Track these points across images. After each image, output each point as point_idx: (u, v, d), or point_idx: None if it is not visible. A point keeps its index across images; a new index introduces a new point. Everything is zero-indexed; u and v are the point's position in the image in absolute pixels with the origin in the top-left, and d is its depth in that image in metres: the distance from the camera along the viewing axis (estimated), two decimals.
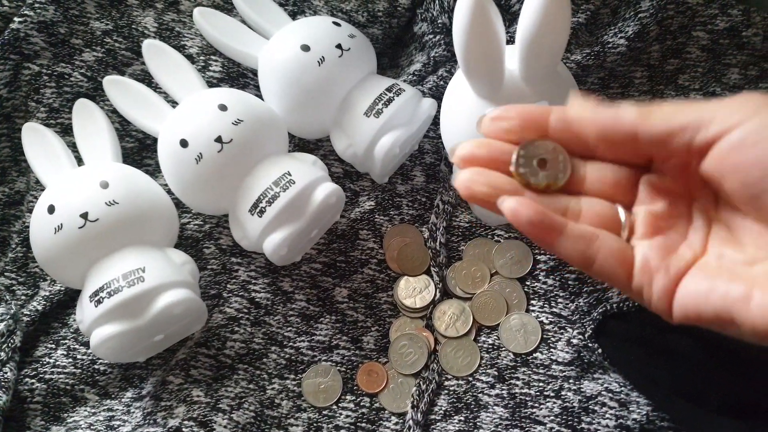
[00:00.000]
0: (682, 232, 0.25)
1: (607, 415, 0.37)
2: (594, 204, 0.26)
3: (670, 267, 0.24)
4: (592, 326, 0.39)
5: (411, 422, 0.39)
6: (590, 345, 0.39)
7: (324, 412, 0.40)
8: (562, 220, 0.25)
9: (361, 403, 0.40)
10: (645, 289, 0.25)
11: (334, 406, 0.40)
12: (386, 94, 0.41)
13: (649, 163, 0.26)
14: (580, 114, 0.25)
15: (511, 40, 0.44)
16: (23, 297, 0.44)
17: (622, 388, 0.38)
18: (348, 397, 0.40)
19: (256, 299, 0.42)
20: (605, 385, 0.38)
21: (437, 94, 0.45)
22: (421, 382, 0.40)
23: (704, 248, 0.25)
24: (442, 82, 0.46)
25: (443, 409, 0.39)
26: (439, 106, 0.41)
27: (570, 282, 0.41)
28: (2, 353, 0.39)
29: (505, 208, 0.25)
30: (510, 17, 0.46)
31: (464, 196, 0.26)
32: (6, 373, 0.39)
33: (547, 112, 0.26)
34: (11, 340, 0.40)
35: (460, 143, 0.26)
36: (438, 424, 0.39)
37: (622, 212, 0.26)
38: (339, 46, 0.40)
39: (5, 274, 0.44)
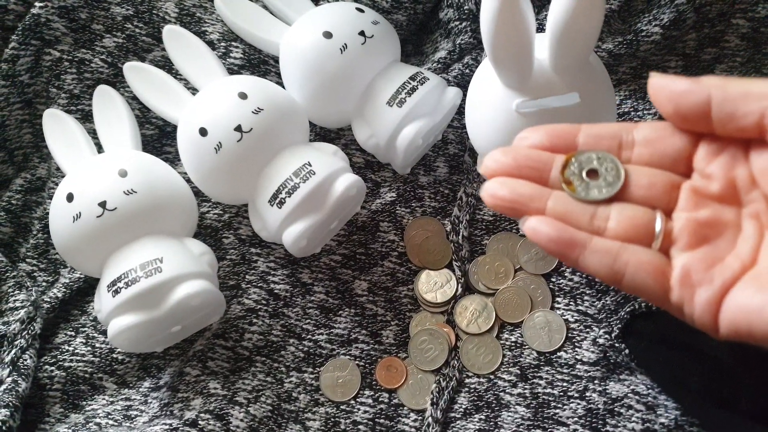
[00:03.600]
0: (730, 240, 0.24)
1: (633, 418, 0.36)
2: (627, 209, 0.25)
3: (714, 279, 0.23)
4: (619, 326, 0.38)
5: (430, 419, 0.38)
6: (617, 345, 0.37)
7: (342, 407, 0.39)
8: (584, 235, 0.24)
9: (380, 399, 0.39)
10: (686, 304, 0.23)
11: (352, 401, 0.39)
12: (410, 83, 0.40)
13: (688, 171, 0.25)
14: (659, 78, 0.24)
15: (541, 28, 0.42)
16: (44, 283, 0.44)
17: (650, 391, 0.36)
18: (366, 392, 0.39)
19: (275, 291, 0.41)
20: (632, 387, 0.37)
21: (462, 83, 0.44)
22: (441, 379, 0.39)
23: (755, 257, 0.23)
24: (467, 71, 0.45)
25: (463, 407, 0.38)
26: (465, 95, 0.40)
27: (597, 279, 0.40)
28: (22, 340, 0.39)
29: (525, 228, 0.24)
30: (539, 3, 0.45)
31: (489, 204, 0.25)
32: (26, 360, 0.39)
33: (577, 129, 0.26)
34: (31, 327, 0.40)
35: (488, 154, 0.26)
36: (458, 422, 0.38)
37: (659, 219, 0.24)
38: (362, 33, 0.39)
39: (27, 260, 0.44)
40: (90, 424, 0.39)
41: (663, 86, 0.24)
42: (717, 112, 0.23)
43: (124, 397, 0.40)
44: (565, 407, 0.37)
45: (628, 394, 0.37)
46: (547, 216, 0.25)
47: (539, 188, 0.25)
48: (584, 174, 0.25)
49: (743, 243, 0.24)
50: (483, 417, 0.38)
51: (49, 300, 0.42)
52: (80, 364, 0.41)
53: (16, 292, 0.42)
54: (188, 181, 0.41)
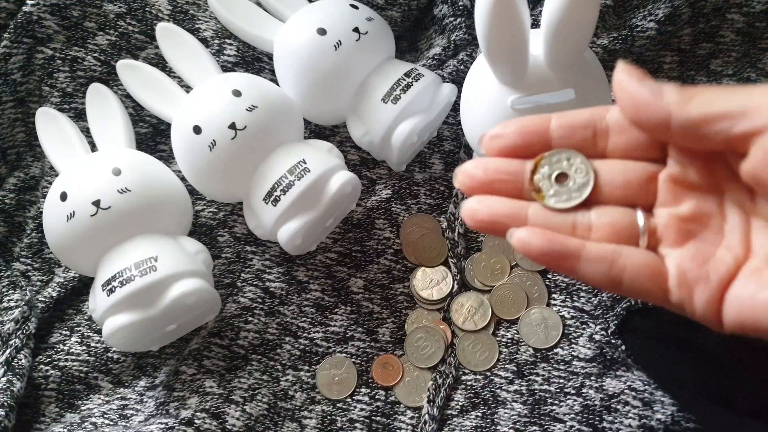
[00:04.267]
0: (717, 231, 0.23)
1: (630, 415, 0.36)
2: (606, 213, 0.24)
3: (710, 276, 0.22)
4: (616, 322, 0.38)
5: (427, 417, 0.38)
6: (613, 341, 0.37)
7: (338, 405, 0.39)
8: (576, 243, 0.23)
9: (376, 396, 0.39)
10: (686, 303, 0.23)
11: (349, 399, 0.39)
12: (404, 80, 0.40)
13: (664, 156, 0.24)
14: (623, 78, 0.23)
15: (535, 24, 0.42)
16: (38, 283, 0.43)
17: (646, 387, 0.36)
18: (363, 390, 0.39)
19: (271, 289, 0.41)
20: (628, 383, 0.37)
21: (457, 79, 0.44)
22: (437, 376, 0.39)
23: (747, 249, 0.23)
24: (462, 67, 0.44)
25: (460, 404, 0.38)
26: (460, 92, 0.40)
27: None
28: (17, 340, 0.39)
29: (514, 242, 0.23)
30: None
31: (471, 226, 0.25)
32: (21, 359, 0.39)
33: (548, 120, 0.25)
34: (26, 327, 0.40)
35: (459, 168, 0.26)
36: (454, 419, 0.38)
37: (640, 216, 0.24)
38: (356, 30, 0.39)
39: (21, 259, 0.44)
40: (86, 424, 0.39)
41: (625, 88, 0.23)
42: (677, 132, 0.23)
43: (119, 396, 0.40)
44: (561, 404, 0.37)
45: (625, 391, 0.37)
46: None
47: (517, 203, 0.25)
48: (553, 179, 0.25)
49: (731, 234, 0.23)
50: (479, 414, 0.38)
51: (43, 299, 0.42)
52: (75, 363, 0.40)
53: (11, 291, 0.41)
54: (182, 179, 0.41)
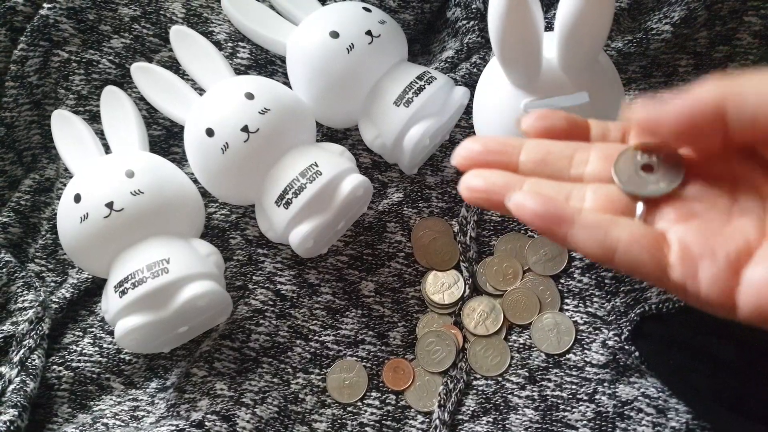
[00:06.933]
0: (724, 211, 0.22)
1: (643, 422, 0.35)
2: (601, 187, 0.24)
3: (717, 252, 0.21)
4: (629, 327, 0.37)
5: (438, 422, 0.38)
6: (627, 347, 0.37)
7: (348, 409, 0.39)
8: (572, 209, 0.23)
9: (387, 401, 0.39)
10: (689, 282, 0.21)
11: (359, 403, 0.39)
12: (417, 83, 0.39)
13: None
14: (650, 114, 0.23)
15: (549, 27, 0.42)
16: (52, 284, 0.44)
17: (660, 394, 0.36)
18: (373, 394, 0.39)
19: (282, 291, 0.41)
20: (642, 390, 0.36)
21: (470, 82, 0.44)
22: (448, 381, 0.39)
23: (763, 232, 0.21)
24: (475, 70, 0.44)
25: (471, 409, 0.38)
26: (472, 95, 0.40)
27: (606, 281, 0.39)
28: (31, 340, 0.40)
29: (511, 205, 0.23)
30: (548, 1, 0.44)
31: (467, 198, 0.25)
32: (34, 360, 0.39)
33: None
34: (40, 327, 0.40)
35: (459, 146, 0.26)
36: (465, 424, 0.38)
37: (639, 205, 0.23)
38: (369, 33, 0.39)
39: (35, 260, 0.44)
40: (97, 424, 0.39)
41: (665, 113, 0.22)
42: (735, 121, 0.21)
43: (131, 397, 0.40)
44: (574, 410, 0.37)
45: (638, 397, 0.36)
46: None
47: (513, 176, 0.25)
48: (641, 173, 0.24)
49: (743, 215, 0.22)
50: (491, 419, 0.38)
51: (57, 300, 0.42)
52: (88, 364, 0.41)
53: (25, 292, 0.42)
54: (195, 181, 0.41)
